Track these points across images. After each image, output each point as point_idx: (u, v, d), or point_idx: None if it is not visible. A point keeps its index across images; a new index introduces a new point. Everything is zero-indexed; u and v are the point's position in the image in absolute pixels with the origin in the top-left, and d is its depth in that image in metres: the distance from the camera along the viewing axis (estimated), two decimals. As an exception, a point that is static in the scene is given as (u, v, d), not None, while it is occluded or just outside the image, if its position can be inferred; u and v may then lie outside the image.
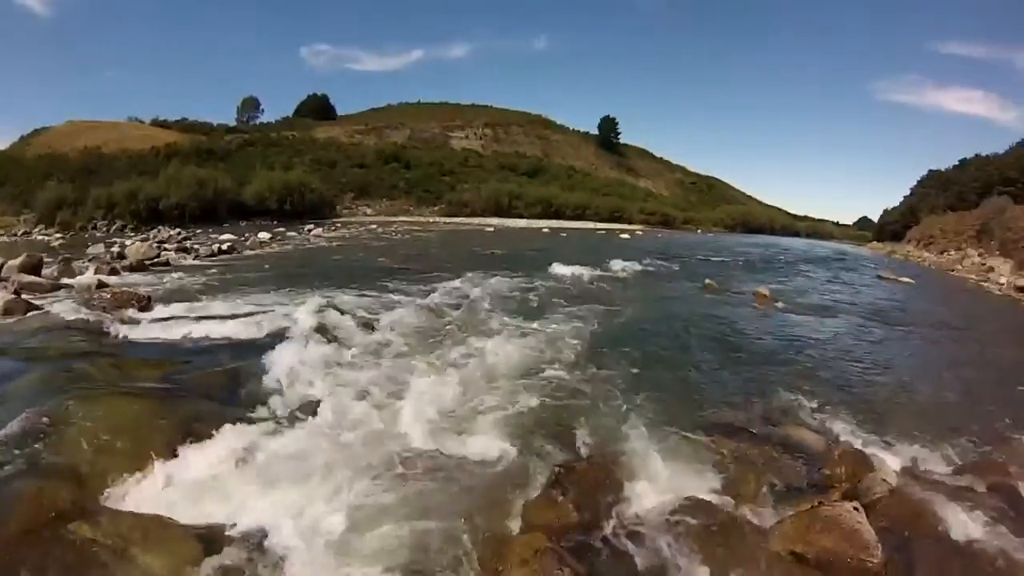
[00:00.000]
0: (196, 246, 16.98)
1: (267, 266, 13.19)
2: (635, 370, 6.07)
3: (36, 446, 3.41)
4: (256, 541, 2.91)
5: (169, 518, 3.01)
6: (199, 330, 6.46)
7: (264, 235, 21.71)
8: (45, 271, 10.66)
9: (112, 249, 15.31)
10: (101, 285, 9.10)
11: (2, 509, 2.90)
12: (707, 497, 3.63)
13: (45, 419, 3.66)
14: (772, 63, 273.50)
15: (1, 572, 2.56)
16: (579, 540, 3.12)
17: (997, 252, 25.78)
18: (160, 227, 26.43)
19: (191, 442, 3.69)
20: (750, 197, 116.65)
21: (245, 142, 54.81)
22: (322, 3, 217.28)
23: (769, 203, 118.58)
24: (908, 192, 72.28)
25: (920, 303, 14.66)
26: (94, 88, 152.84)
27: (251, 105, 78.65)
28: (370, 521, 3.07)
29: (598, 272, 14.07)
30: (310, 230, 27.29)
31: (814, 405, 5.40)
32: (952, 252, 32.90)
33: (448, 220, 46.82)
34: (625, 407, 4.97)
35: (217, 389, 4.82)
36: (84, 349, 5.69)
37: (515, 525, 3.22)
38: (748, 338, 8.24)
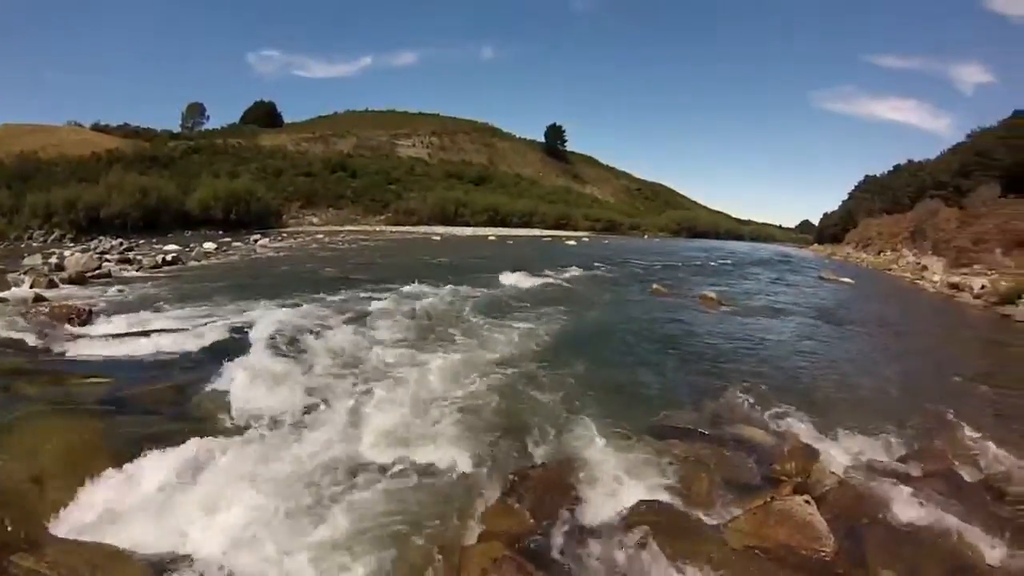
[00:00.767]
0: (139, 257, 16.50)
1: (213, 278, 12.88)
2: (586, 375, 6.16)
3: (-28, 473, 3.20)
4: (210, 567, 2.81)
5: (117, 546, 2.88)
6: (144, 345, 6.28)
7: (210, 245, 21.18)
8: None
9: (50, 260, 14.61)
10: (38, 299, 8.80)
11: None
12: (662, 498, 3.70)
13: (-20, 443, 3.44)
14: (714, 72, 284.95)
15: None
16: (537, 546, 3.13)
17: (930, 252, 27.52)
18: (101, 237, 25.00)
19: (138, 463, 3.54)
20: (696, 203, 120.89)
21: (190, 149, 53.69)
22: (270, 8, 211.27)
23: (714, 208, 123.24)
24: (846, 196, 76.49)
25: (860, 302, 15.47)
26: (31, 91, 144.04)
27: (196, 111, 76.71)
28: (326, 539, 3.02)
29: (546, 279, 14.20)
30: (256, 240, 26.69)
31: (762, 403, 5.58)
32: (888, 253, 34.96)
33: (395, 229, 46.79)
34: (577, 412, 5.03)
35: (164, 406, 4.68)
36: (20, 367, 5.45)
37: (473, 534, 3.23)
38: (696, 340, 8.47)
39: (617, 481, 3.90)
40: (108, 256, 16.86)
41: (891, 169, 63.43)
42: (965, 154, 40.60)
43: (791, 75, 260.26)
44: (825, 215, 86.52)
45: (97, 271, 12.90)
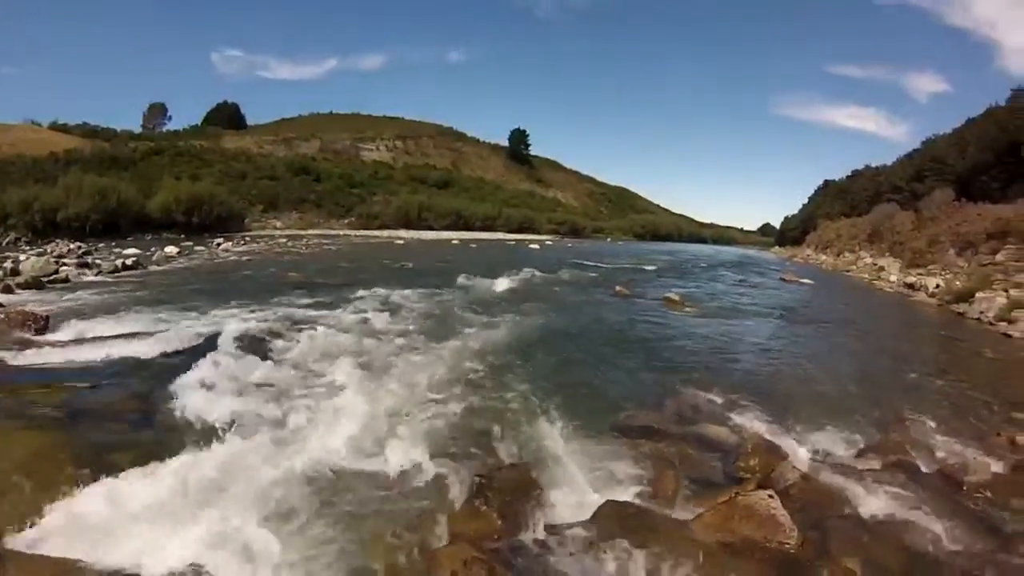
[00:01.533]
0: (98, 261, 15.93)
1: (175, 282, 12.54)
2: (550, 376, 6.21)
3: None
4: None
5: (78, 560, 2.80)
6: (104, 352, 6.07)
7: (171, 249, 20.56)
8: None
9: (4, 264, 13.96)
10: (-8, 305, 8.29)
11: None
12: (628, 496, 3.76)
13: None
14: (676, 77, 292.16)
15: None
16: (506, 547, 3.16)
17: (887, 253, 28.61)
18: (58, 240, 23.99)
19: (100, 475, 3.42)
20: (658, 206, 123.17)
21: (151, 150, 52.08)
22: (235, 7, 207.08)
23: (677, 211, 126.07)
24: (806, 200, 79.09)
25: (820, 302, 15.97)
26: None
27: (158, 111, 75.15)
28: (291, 547, 3.00)
29: (509, 282, 14.25)
30: (219, 244, 26.07)
31: (725, 402, 5.74)
32: (847, 254, 36.17)
33: (358, 233, 46.47)
34: (542, 413, 5.08)
35: (126, 415, 4.54)
36: (-27, 377, 5.18)
37: (441, 537, 3.23)
38: (660, 341, 8.62)
39: (584, 481, 3.95)
40: (66, 260, 16.31)
41: (850, 174, 65.87)
42: (920, 160, 42.56)
43: (753, 82, 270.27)
44: (786, 218, 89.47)
45: (54, 276, 12.48)
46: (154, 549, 2.93)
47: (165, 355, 6.09)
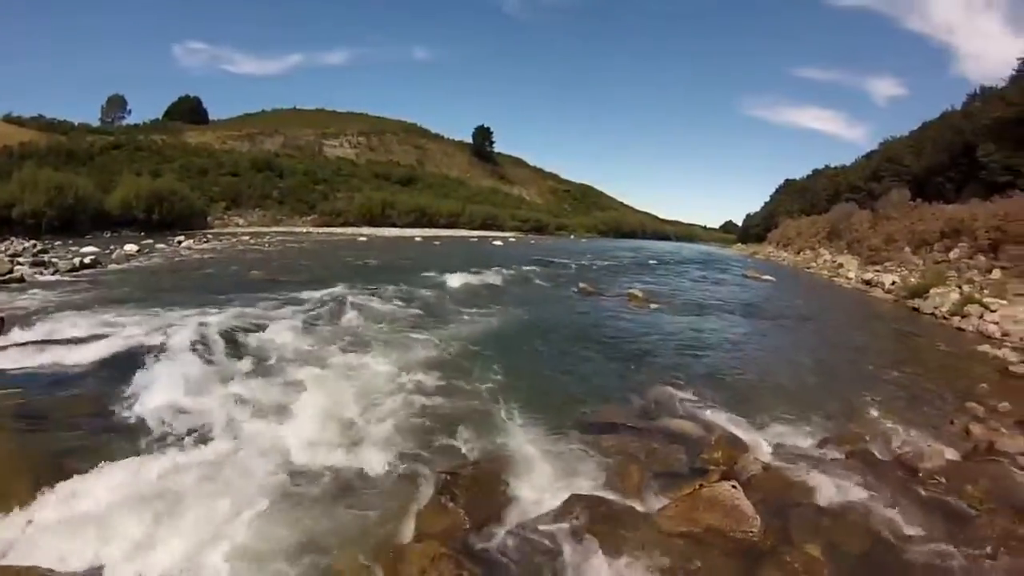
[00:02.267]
0: (55, 260, 15.37)
1: (136, 281, 12.16)
2: (515, 374, 6.23)
3: None
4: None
5: (39, 567, 2.76)
6: (61, 354, 5.89)
7: (131, 247, 19.96)
8: None
9: None
10: (-58, 306, 7.93)
11: None
12: (594, 490, 3.82)
13: None
14: (641, 76, 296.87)
15: None
16: (474, 543, 3.19)
17: (846, 250, 29.53)
18: (12, 238, 22.97)
19: (60, 480, 3.35)
20: (622, 203, 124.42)
21: (110, 144, 50.52)
22: None
23: (640, 209, 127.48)
24: (768, 198, 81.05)
25: (781, 298, 16.38)
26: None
27: (117, 104, 71.87)
28: (261, 549, 2.99)
29: (472, 279, 14.20)
30: (180, 242, 25.38)
31: (688, 397, 5.85)
32: (808, 252, 37.17)
33: (321, 230, 46.06)
34: (507, 410, 5.12)
35: (86, 418, 4.44)
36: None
37: (409, 534, 3.25)
38: (623, 338, 8.73)
39: (550, 476, 4.00)
40: (20, 259, 15.70)
41: (810, 173, 67.93)
42: (877, 161, 44.09)
43: (718, 82, 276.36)
44: (748, 216, 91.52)
45: (9, 275, 12.00)
46: (113, 555, 2.90)
47: (124, 356, 5.91)
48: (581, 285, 14.66)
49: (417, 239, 39.71)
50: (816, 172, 65.44)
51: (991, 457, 4.76)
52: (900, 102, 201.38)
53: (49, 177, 31.00)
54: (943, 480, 4.17)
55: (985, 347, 9.31)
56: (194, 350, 5.90)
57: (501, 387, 5.73)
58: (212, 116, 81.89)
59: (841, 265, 26.20)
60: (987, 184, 25.30)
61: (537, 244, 42.43)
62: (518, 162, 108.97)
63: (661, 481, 4.05)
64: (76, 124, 59.75)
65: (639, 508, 3.65)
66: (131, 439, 4.10)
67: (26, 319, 7.39)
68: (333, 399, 4.98)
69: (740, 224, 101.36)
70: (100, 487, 3.35)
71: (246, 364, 5.86)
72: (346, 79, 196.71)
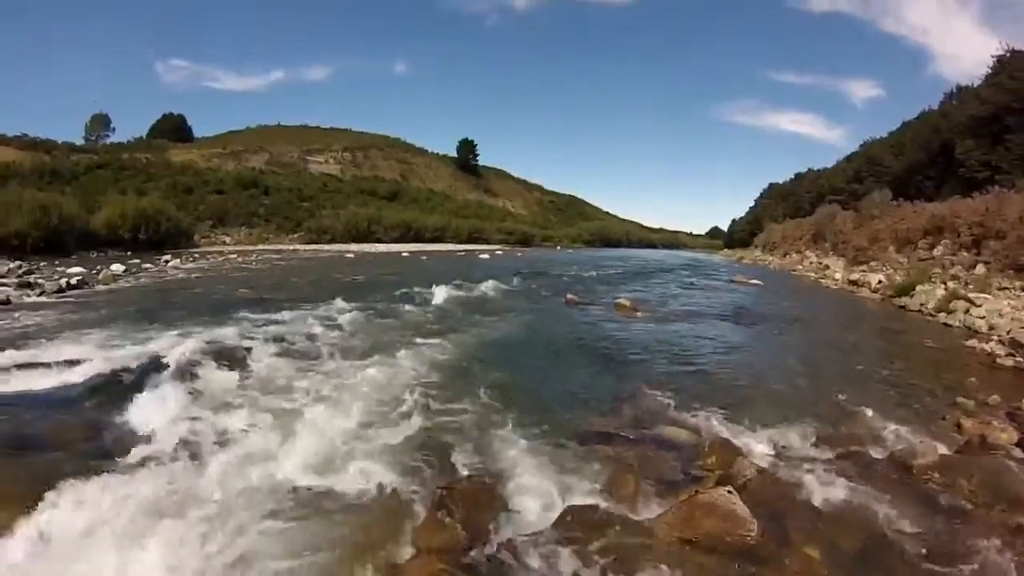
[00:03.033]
0: (41, 281, 15.23)
1: (122, 302, 12.01)
2: (505, 386, 6.22)
3: None
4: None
5: None
6: (49, 377, 5.83)
7: (118, 267, 19.78)
8: None
9: None
10: (-75, 330, 7.87)
11: None
12: (590, 501, 3.81)
13: None
14: (622, 86, 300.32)
15: None
16: (471, 558, 3.17)
17: (831, 252, 29.93)
18: None
19: (47, 506, 3.30)
20: (607, 213, 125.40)
21: (94, 164, 50.26)
22: (179, 15, 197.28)
23: (625, 218, 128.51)
24: (753, 203, 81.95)
25: (769, 301, 16.50)
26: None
27: (101, 123, 71.15)
28: (255, 568, 2.97)
29: (460, 293, 14.21)
30: (167, 261, 25.18)
31: (681, 403, 5.87)
32: (793, 254, 37.62)
33: (308, 247, 45.88)
34: (500, 423, 5.11)
35: (73, 444, 4.36)
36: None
37: (406, 551, 3.23)
38: (613, 347, 8.75)
39: (545, 488, 3.98)
40: (5, 280, 15.55)
41: (793, 177, 68.98)
42: (858, 162, 44.92)
43: (697, 89, 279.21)
44: (733, 221, 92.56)
45: None
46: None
47: (113, 379, 5.83)
48: (568, 296, 14.69)
49: (404, 254, 39.64)
50: (799, 175, 66.45)
51: (984, 451, 4.83)
52: (878, 103, 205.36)
53: (33, 197, 30.80)
54: (937, 476, 4.20)
55: (972, 342, 9.45)
56: (182, 371, 5.84)
57: (492, 399, 5.73)
58: (196, 133, 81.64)
59: (827, 267, 26.52)
60: (966, 181, 25.83)
61: (523, 256, 42.51)
62: (502, 174, 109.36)
63: (656, 489, 4.05)
64: (60, 142, 59.13)
65: (636, 517, 3.64)
66: (118, 462, 4.04)
67: (12, 341, 7.31)
68: (324, 417, 4.95)
69: (725, 230, 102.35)
70: (87, 510, 3.31)
71: (236, 384, 5.82)
72: (328, 95, 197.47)
